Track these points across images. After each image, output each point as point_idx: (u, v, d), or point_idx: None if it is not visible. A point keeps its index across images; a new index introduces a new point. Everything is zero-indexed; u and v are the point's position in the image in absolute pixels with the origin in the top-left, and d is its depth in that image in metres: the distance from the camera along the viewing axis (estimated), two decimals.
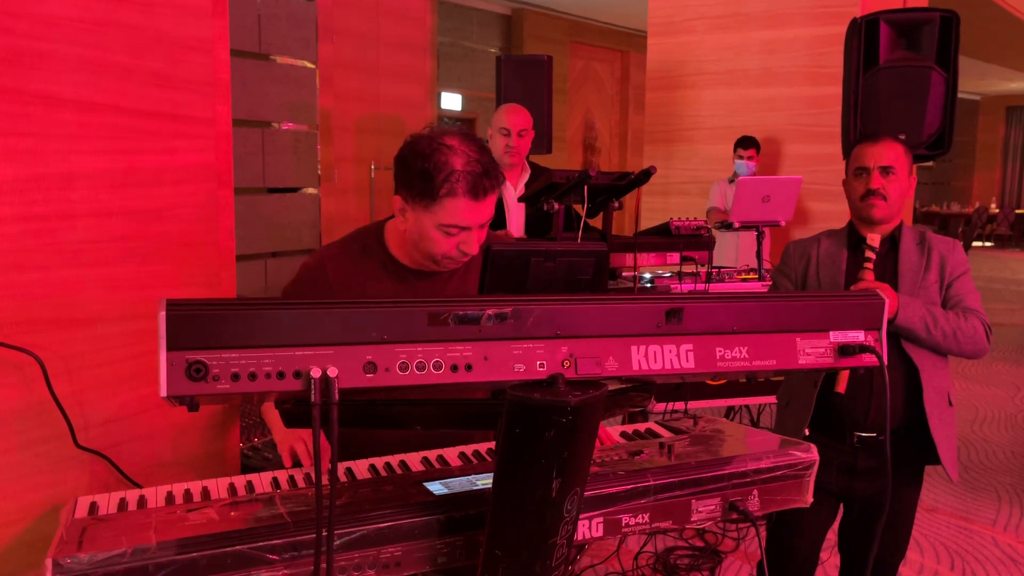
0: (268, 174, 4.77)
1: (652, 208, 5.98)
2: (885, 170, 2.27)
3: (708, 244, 3.34)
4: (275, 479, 1.55)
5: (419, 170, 1.62)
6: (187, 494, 1.45)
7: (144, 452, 1.71)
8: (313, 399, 1.08)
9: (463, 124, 8.87)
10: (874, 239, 2.29)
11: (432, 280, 1.79)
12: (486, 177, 1.62)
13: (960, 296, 2.27)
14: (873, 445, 2.26)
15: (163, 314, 1.04)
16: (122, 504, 1.41)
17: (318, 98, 5.12)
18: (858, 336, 1.33)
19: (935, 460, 2.26)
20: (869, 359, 1.32)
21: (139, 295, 1.66)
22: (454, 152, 1.61)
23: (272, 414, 1.78)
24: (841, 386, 2.25)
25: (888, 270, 2.31)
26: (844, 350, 1.32)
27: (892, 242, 2.33)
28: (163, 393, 1.04)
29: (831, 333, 1.32)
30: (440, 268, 1.76)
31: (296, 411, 1.25)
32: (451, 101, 8.89)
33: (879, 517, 2.30)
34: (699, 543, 3.40)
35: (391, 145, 6.18)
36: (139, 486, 1.57)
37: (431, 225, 1.65)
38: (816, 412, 2.30)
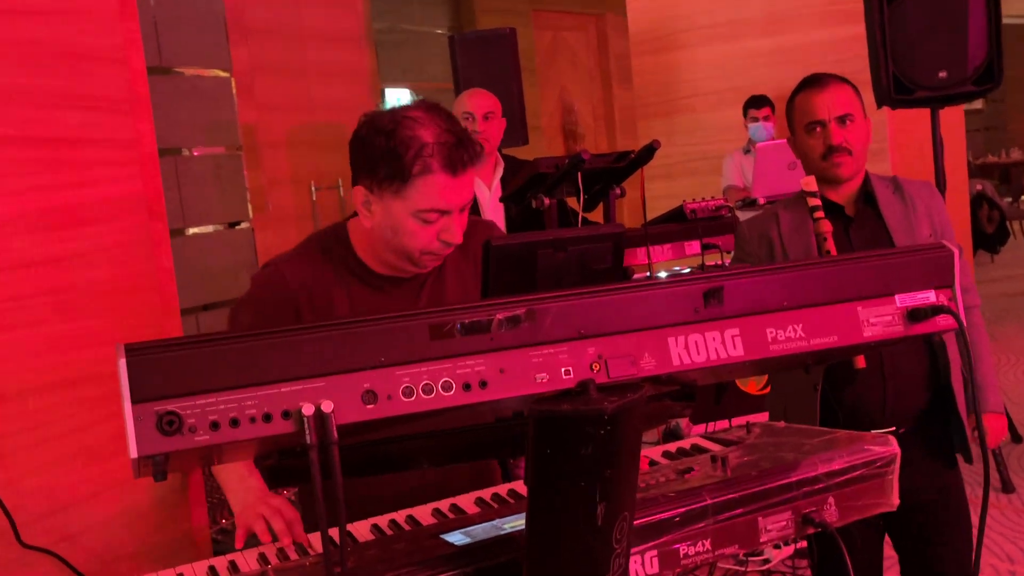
0: (187, 210, 4.80)
1: (655, 195, 6.05)
2: (842, 120, 2.32)
3: (732, 227, 3.41)
4: (262, 555, 1.59)
5: (383, 149, 1.67)
6: None
7: (99, 544, 1.74)
8: (308, 441, 1.12)
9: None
10: (809, 182, 2.33)
11: (405, 287, 1.84)
12: (461, 148, 1.68)
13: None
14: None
15: (122, 362, 1.09)
16: None
17: (237, 112, 5.17)
18: (928, 296, 1.39)
19: (962, 440, 2.35)
20: (945, 321, 1.39)
21: (72, 357, 1.70)
22: (420, 124, 1.67)
23: (225, 476, 1.80)
24: (861, 361, 2.27)
25: (871, 230, 2.36)
26: (914, 315, 1.38)
27: (866, 197, 2.39)
28: (133, 454, 1.08)
29: (897, 297, 1.38)
30: (419, 268, 1.81)
31: (285, 465, 1.30)
32: (398, 98, 8.99)
33: (931, 515, 2.35)
34: None
35: (332, 160, 6.23)
36: None
37: (404, 214, 1.70)
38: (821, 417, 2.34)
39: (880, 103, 4.15)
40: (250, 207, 5.24)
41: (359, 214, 1.77)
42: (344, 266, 1.84)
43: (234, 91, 5.13)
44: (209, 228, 4.99)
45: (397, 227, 1.73)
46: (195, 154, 4.92)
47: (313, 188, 6.04)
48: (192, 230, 4.85)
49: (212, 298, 4.94)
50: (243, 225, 5.18)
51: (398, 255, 1.79)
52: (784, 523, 1.57)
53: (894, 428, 2.32)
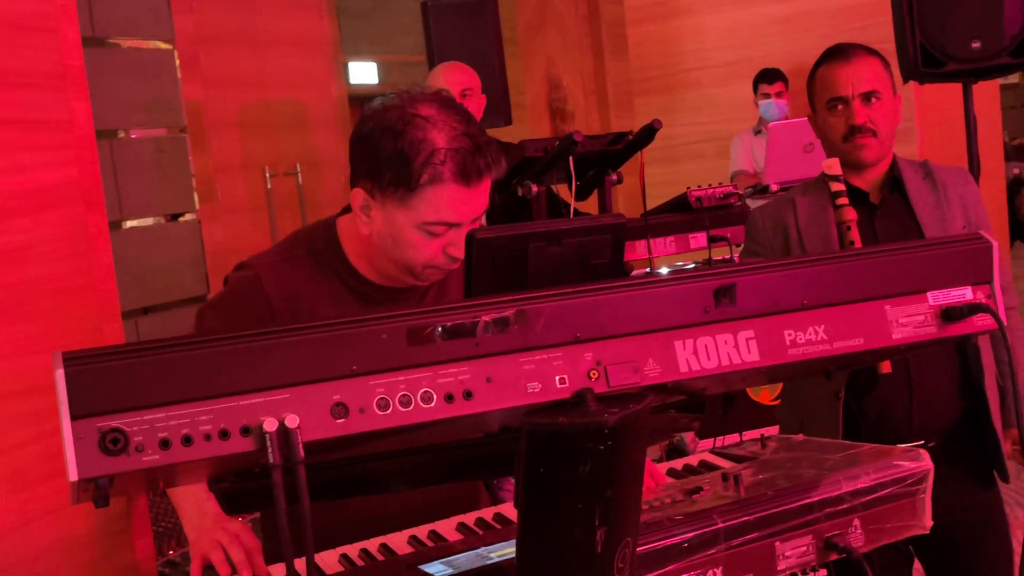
0: (124, 200, 4.76)
1: (655, 182, 6.04)
2: (867, 97, 2.35)
3: (741, 216, 3.43)
4: None
5: (390, 151, 1.67)
6: None
7: None
8: (271, 460, 1.12)
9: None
10: (832, 164, 2.36)
11: (402, 299, 1.84)
12: (479, 154, 1.68)
13: None
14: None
15: (60, 372, 1.09)
16: None
17: (181, 88, 5.14)
18: (964, 294, 1.41)
19: (997, 455, 2.37)
20: (984, 322, 1.40)
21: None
22: (434, 124, 1.67)
23: (182, 497, 1.79)
24: (886, 366, 2.29)
25: (898, 220, 2.39)
26: (949, 314, 1.39)
27: (893, 183, 2.42)
28: (73, 477, 1.08)
29: (929, 294, 1.40)
30: (419, 282, 1.82)
31: (241, 488, 1.30)
32: (363, 72, 8.98)
33: (965, 537, 2.37)
34: None
35: (289, 142, 6.22)
36: None
37: (409, 224, 1.70)
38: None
39: (906, 77, 4.17)
40: (196, 196, 5.21)
41: (357, 219, 1.77)
42: (334, 273, 1.85)
43: (177, 65, 5.09)
44: (149, 220, 4.96)
45: (398, 238, 1.73)
46: (133, 136, 4.88)
47: (268, 174, 6.01)
48: (130, 223, 4.82)
49: (152, 300, 4.91)
50: (188, 217, 5.15)
51: (397, 266, 1.80)
52: (804, 548, 1.59)
53: (922, 442, 2.33)
